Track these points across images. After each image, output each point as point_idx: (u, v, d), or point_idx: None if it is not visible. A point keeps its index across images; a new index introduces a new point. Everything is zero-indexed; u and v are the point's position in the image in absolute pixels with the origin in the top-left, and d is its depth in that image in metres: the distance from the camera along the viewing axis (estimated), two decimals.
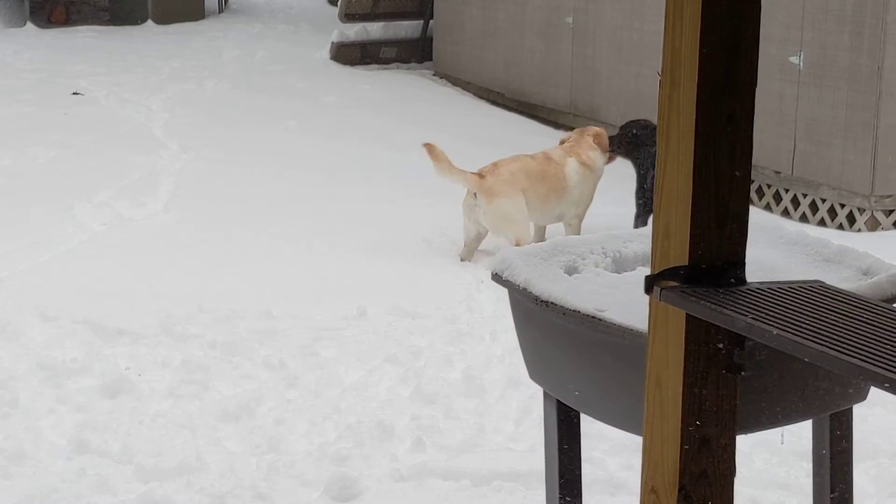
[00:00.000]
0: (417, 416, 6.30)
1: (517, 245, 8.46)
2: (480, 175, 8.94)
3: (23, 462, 5.68)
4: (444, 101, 15.79)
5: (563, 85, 14.34)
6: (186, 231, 9.40)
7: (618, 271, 3.84)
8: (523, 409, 6.36)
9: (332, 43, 18.15)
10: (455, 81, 16.72)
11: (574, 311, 3.37)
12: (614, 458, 5.66)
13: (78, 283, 8.04)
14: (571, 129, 14.27)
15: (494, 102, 15.61)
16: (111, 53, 18.32)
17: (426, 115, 14.69)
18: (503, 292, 7.88)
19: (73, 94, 15.04)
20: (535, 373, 3.76)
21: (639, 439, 5.29)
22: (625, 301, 3.35)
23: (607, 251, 3.93)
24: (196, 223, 9.59)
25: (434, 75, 17.24)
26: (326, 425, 6.22)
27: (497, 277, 3.74)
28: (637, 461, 5.52)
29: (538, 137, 13.93)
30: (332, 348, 7.23)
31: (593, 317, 3.32)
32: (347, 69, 17.68)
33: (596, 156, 9.33)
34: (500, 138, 13.12)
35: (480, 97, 16.00)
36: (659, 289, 2.72)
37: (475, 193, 8.87)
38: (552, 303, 3.45)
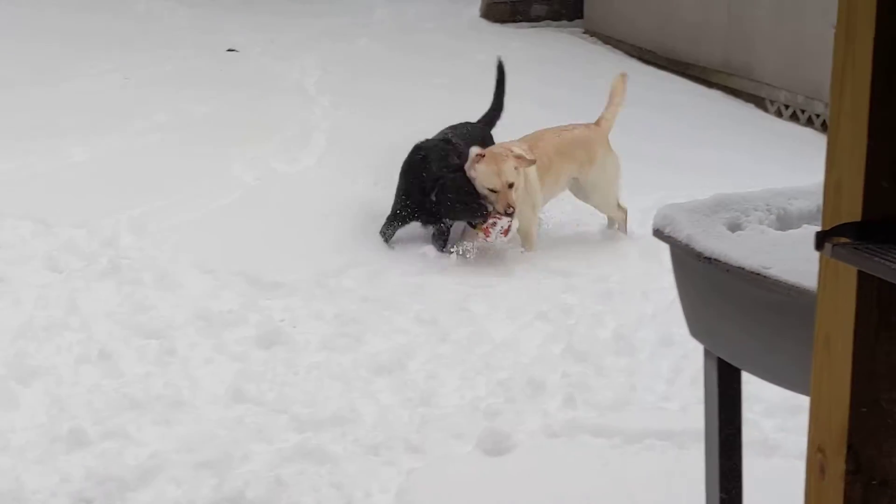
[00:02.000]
0: (568, 373, 6.29)
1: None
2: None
3: (181, 409, 5.80)
4: (594, 60, 15.66)
5: (717, 42, 14.11)
6: (338, 185, 9.48)
7: (782, 229, 3.78)
8: (675, 368, 6.31)
9: (483, 0, 18.10)
10: (606, 39, 16.55)
11: (738, 267, 3.32)
12: (769, 420, 5.60)
13: (234, 237, 8.16)
14: (726, 89, 14.08)
15: (646, 61, 15.42)
16: (265, 11, 18.49)
17: (576, 74, 14.60)
18: (654, 251, 7.87)
19: (228, 50, 15.22)
20: (696, 330, 3.72)
21: (795, 401, 5.23)
22: (790, 258, 3.28)
23: (771, 208, 3.87)
24: (347, 178, 9.66)
25: (584, 33, 17.08)
26: (478, 380, 6.25)
27: (658, 233, 3.70)
28: (793, 423, 5.47)
29: (689, 97, 13.78)
30: (483, 305, 7.25)
31: (758, 274, 3.26)
32: (497, 27, 17.61)
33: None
34: (651, 98, 12.98)
35: (631, 55, 15.82)
36: (830, 245, 2.66)
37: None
38: (715, 259, 3.40)
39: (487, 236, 7.83)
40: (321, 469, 5.19)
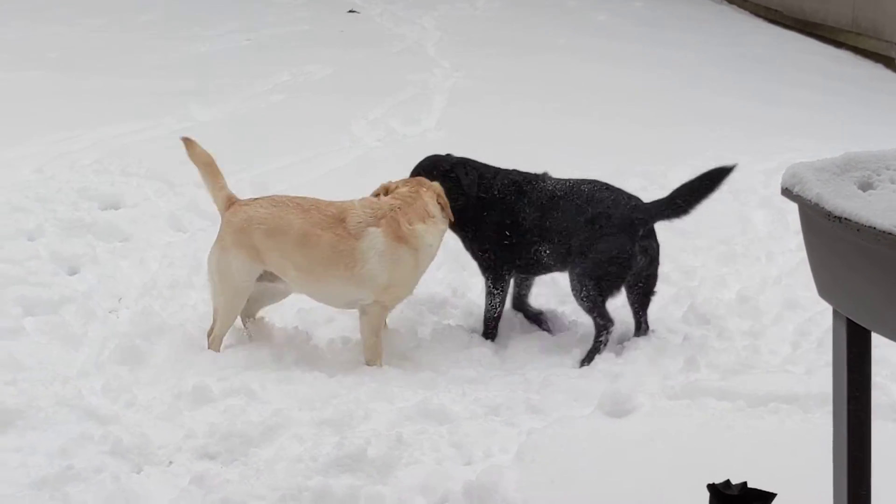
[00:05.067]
0: (690, 335, 6.23)
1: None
2: (230, 200, 6.24)
3: (303, 368, 5.85)
4: (718, 20, 15.46)
5: (845, 1, 13.81)
6: (458, 148, 9.45)
7: None
8: (800, 331, 6.21)
9: None
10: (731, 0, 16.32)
11: (870, 227, 3.23)
12: None
13: (354, 197, 8.17)
14: (854, 49, 13.78)
15: (772, 20, 15.18)
16: None
17: (699, 34, 14.42)
18: (779, 212, 7.75)
19: (349, 11, 15.29)
20: (825, 290, 3.64)
21: None
22: None
23: None
24: (467, 140, 9.64)
25: None
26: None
27: (787, 192, 3.61)
28: None
29: (817, 57, 13.53)
30: None
31: (890, 233, 3.18)
32: None
33: (427, 228, 6.08)
34: (776, 59, 12.78)
35: (757, 15, 15.58)
36: None
37: None
38: (846, 219, 3.32)
39: None
40: (441, 428, 5.20)
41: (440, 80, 12.03)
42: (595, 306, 6.14)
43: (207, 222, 7.53)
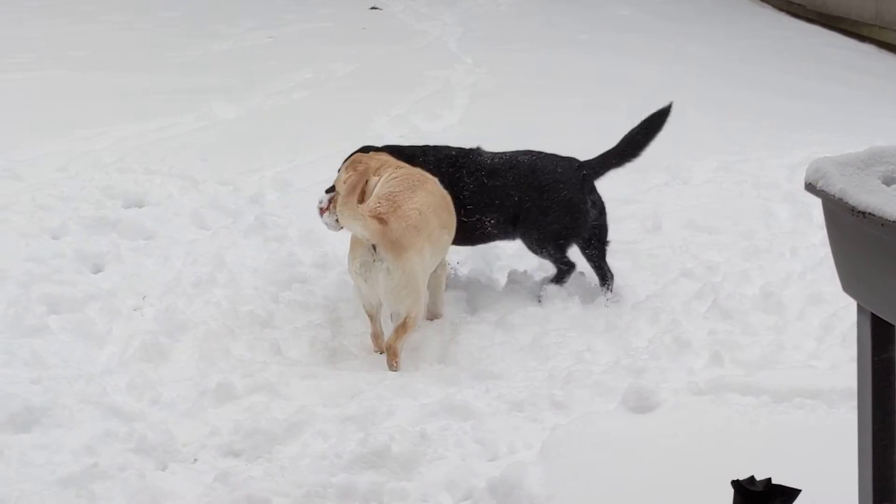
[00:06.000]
0: (714, 331, 6.21)
1: (408, 328, 5.92)
2: (380, 219, 5.86)
3: (328, 365, 5.86)
4: (741, 14, 15.42)
5: None
6: (482, 143, 9.46)
7: None
8: (825, 326, 6.19)
9: None
10: None
11: (894, 222, 3.23)
12: None
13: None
14: (878, 43, 13.72)
15: (795, 14, 15.13)
16: None
17: (722, 28, 14.39)
18: (802, 207, 7.73)
19: (371, 8, 15.30)
20: (849, 285, 3.63)
21: None
22: None
23: None
24: (490, 135, 9.63)
25: None
26: (622, 337, 6.20)
27: (811, 187, 3.60)
28: None
29: (840, 51, 13.48)
30: (627, 262, 7.19)
31: None
32: None
33: None
34: (800, 53, 12.74)
35: (780, 9, 15.53)
36: None
37: (374, 246, 5.85)
38: (870, 213, 3.31)
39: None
40: (465, 424, 5.20)
41: (462, 75, 12.04)
42: (558, 259, 6.66)
43: (230, 220, 7.55)
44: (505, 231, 6.77)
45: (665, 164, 8.97)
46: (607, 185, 8.44)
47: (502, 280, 6.86)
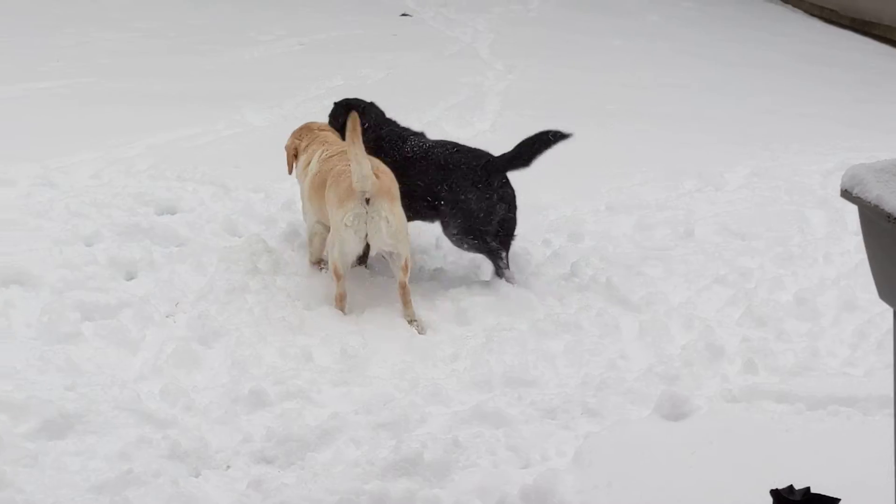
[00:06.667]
0: (748, 337, 6.18)
1: (409, 266, 6.51)
2: (374, 174, 6.44)
3: (360, 372, 5.86)
4: (772, 20, 15.37)
5: None
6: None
7: None
8: (860, 333, 6.15)
9: None
10: (786, 0, 16.21)
11: None
12: None
13: None
14: None
15: (827, 20, 15.06)
16: None
17: (754, 34, 14.34)
18: (836, 213, 7.68)
19: (402, 15, 15.32)
20: (885, 292, 3.61)
21: None
22: None
23: None
24: None
25: None
26: (655, 344, 6.18)
27: (846, 194, 3.58)
28: None
29: (873, 57, 13.42)
30: (659, 268, 7.16)
31: None
32: None
33: None
34: (833, 58, 12.69)
35: (812, 14, 15.47)
36: None
37: (368, 199, 6.36)
38: None
39: None
40: (497, 432, 5.19)
41: (493, 82, 12.03)
42: (481, 250, 6.85)
43: (262, 226, 7.56)
44: (429, 215, 6.98)
45: (697, 170, 8.95)
46: (638, 192, 8.45)
47: (535, 286, 6.84)
